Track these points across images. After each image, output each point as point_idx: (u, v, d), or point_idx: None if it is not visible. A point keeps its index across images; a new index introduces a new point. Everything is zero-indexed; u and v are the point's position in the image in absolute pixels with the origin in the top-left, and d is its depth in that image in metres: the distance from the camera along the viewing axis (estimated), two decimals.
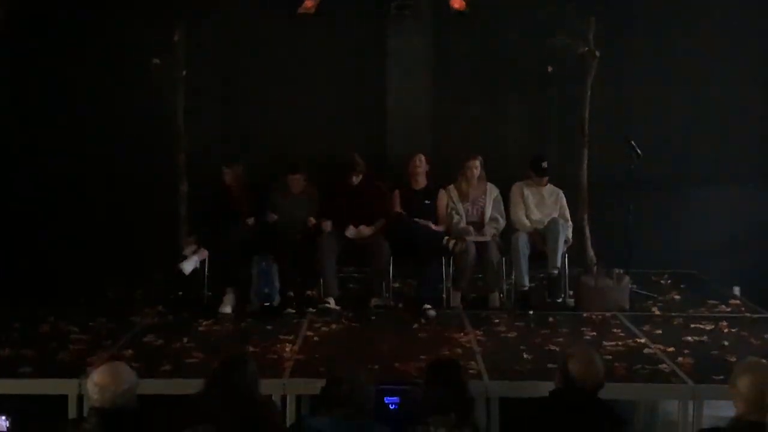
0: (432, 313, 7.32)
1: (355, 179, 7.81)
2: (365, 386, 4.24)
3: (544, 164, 7.85)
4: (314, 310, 7.35)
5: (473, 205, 7.91)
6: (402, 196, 7.94)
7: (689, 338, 6.60)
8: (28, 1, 8.86)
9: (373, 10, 8.98)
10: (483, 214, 7.88)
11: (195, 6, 8.75)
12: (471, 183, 7.91)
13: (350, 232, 7.69)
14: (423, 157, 8.02)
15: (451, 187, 7.98)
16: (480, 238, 7.65)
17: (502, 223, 7.90)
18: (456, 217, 7.84)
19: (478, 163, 7.90)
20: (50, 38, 8.96)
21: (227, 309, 7.33)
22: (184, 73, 8.32)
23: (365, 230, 7.74)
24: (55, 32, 8.96)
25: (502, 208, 7.94)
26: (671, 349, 6.27)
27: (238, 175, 7.77)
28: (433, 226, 7.75)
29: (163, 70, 8.25)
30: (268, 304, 7.35)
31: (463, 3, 8.60)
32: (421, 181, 8.00)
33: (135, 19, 8.80)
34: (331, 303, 7.48)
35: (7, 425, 4.55)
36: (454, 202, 7.91)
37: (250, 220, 7.70)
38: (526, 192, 7.91)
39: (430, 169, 8.06)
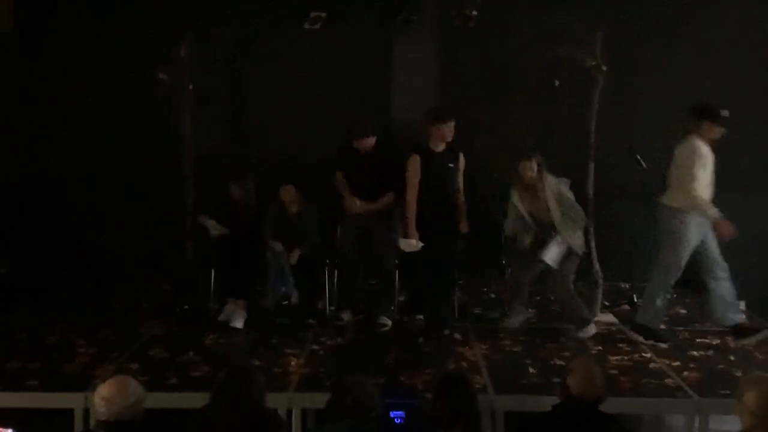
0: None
1: (364, 144, 7.36)
2: (371, 396, 4.23)
3: None
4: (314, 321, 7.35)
5: (534, 209, 7.23)
6: (422, 159, 7.22)
7: (695, 352, 6.60)
8: (36, 12, 8.91)
9: (379, 22, 9.01)
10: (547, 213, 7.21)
11: (202, 18, 8.79)
12: (526, 186, 7.24)
13: (358, 208, 7.40)
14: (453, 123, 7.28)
15: (515, 196, 7.26)
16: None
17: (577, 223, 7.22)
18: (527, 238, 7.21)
19: (532, 164, 7.18)
20: (57, 49, 9.02)
21: (238, 324, 7.29)
22: (191, 86, 8.34)
23: (371, 206, 7.39)
24: (62, 43, 9.02)
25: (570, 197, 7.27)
26: (677, 363, 6.27)
27: (247, 190, 7.66)
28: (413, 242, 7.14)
29: (171, 83, 8.28)
30: (285, 302, 7.42)
31: None
32: (442, 144, 7.30)
33: (142, 31, 8.84)
34: (346, 316, 7.47)
35: None
36: (522, 215, 7.20)
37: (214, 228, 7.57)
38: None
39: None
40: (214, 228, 7.55)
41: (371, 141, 7.38)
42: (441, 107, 7.53)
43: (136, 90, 8.79)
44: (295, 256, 7.40)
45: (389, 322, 7.40)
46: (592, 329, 7.00)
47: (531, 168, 7.12)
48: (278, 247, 7.40)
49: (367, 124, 7.45)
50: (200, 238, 7.84)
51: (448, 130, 7.15)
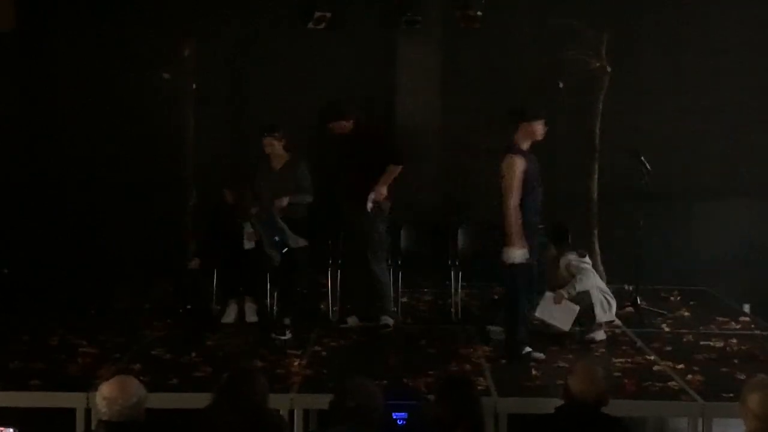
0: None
1: (344, 127, 7.10)
2: (373, 397, 4.21)
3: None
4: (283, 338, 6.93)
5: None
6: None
7: (699, 355, 6.57)
8: (37, 11, 8.92)
9: (383, 21, 9.00)
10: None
11: (205, 19, 8.79)
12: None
13: (370, 201, 7.02)
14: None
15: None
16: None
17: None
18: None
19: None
20: (59, 49, 9.03)
21: (229, 319, 7.32)
22: (195, 86, 8.34)
23: (382, 190, 7.05)
24: (63, 43, 9.03)
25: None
26: (681, 366, 6.24)
27: (242, 196, 7.46)
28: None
29: (173, 83, 8.27)
30: (286, 249, 7.23)
31: None
32: (529, 143, 6.59)
33: (143, 31, 8.85)
34: (352, 321, 7.34)
35: None
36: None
37: (194, 263, 7.55)
38: None
39: None
40: (249, 237, 7.36)
41: (346, 123, 7.12)
42: (527, 105, 6.87)
43: (137, 90, 8.80)
44: (283, 201, 7.22)
45: (391, 321, 7.28)
46: (601, 334, 6.95)
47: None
48: (250, 244, 7.27)
49: (337, 107, 7.17)
50: (204, 239, 7.82)
51: (541, 128, 6.57)
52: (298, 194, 7.39)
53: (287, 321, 7.13)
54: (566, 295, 6.81)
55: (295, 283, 7.61)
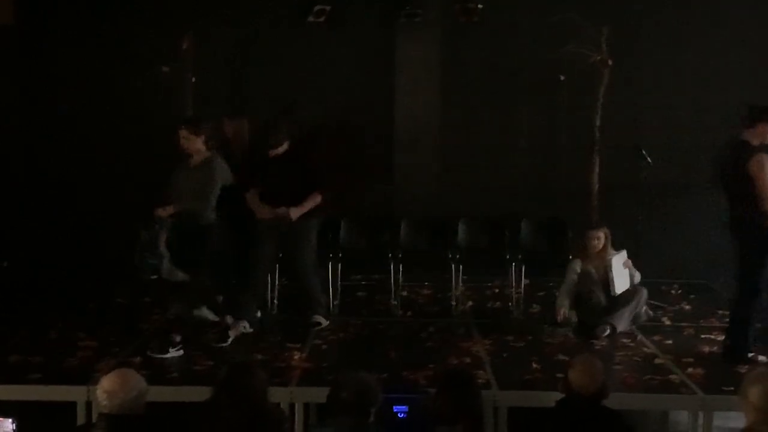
0: None
1: (276, 150, 6.89)
2: (371, 390, 4.20)
3: None
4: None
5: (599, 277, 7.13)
6: None
7: (699, 349, 6.57)
8: (36, 7, 8.90)
9: (382, 19, 8.99)
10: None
11: (204, 13, 8.77)
12: (593, 255, 7.13)
13: (281, 214, 6.84)
14: None
15: (576, 260, 7.17)
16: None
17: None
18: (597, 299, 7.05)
19: (602, 234, 7.12)
20: (59, 44, 9.01)
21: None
22: (193, 79, 8.32)
23: (294, 213, 6.84)
24: (63, 38, 9.01)
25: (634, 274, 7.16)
26: (681, 359, 6.24)
27: (240, 127, 7.07)
28: None
29: (172, 77, 8.26)
30: (155, 276, 6.52)
31: None
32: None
33: (144, 25, 8.83)
34: (321, 320, 7.11)
35: (14, 428, 4.54)
36: (576, 274, 7.08)
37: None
38: None
39: None
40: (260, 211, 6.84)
41: (280, 147, 6.96)
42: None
43: (137, 87, 8.77)
44: (166, 210, 6.41)
45: (323, 320, 7.09)
46: (606, 329, 6.94)
47: (597, 237, 7.10)
48: (162, 212, 6.45)
49: (277, 131, 6.96)
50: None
51: None
52: (196, 200, 6.48)
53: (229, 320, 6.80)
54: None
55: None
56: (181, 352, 6.27)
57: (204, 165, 6.54)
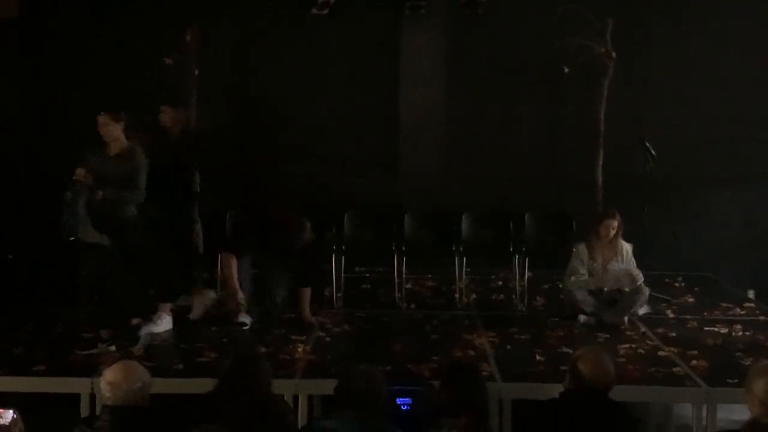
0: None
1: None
2: (378, 383, 4.21)
3: None
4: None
5: (604, 267, 7.12)
6: None
7: (703, 341, 6.57)
8: (40, 1, 8.89)
9: (387, 11, 8.97)
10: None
11: (208, 6, 8.76)
12: (603, 242, 7.13)
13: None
14: None
15: (582, 245, 7.18)
16: None
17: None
18: (577, 280, 7.09)
19: (615, 222, 7.08)
20: (61, 39, 9.01)
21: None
22: (197, 72, 8.31)
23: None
24: (66, 32, 9.00)
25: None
26: (685, 351, 6.23)
27: (180, 114, 6.82)
28: None
29: (176, 70, 8.25)
30: (72, 238, 6.39)
31: None
32: None
33: (148, 18, 8.83)
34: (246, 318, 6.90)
35: (15, 416, 4.55)
36: (582, 261, 7.09)
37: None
38: None
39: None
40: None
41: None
42: None
43: (140, 82, 8.75)
44: (87, 176, 6.26)
45: (248, 320, 6.89)
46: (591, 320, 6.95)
47: (612, 226, 7.08)
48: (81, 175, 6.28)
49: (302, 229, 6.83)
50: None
51: None
52: (125, 190, 6.41)
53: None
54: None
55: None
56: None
57: (127, 155, 6.46)
